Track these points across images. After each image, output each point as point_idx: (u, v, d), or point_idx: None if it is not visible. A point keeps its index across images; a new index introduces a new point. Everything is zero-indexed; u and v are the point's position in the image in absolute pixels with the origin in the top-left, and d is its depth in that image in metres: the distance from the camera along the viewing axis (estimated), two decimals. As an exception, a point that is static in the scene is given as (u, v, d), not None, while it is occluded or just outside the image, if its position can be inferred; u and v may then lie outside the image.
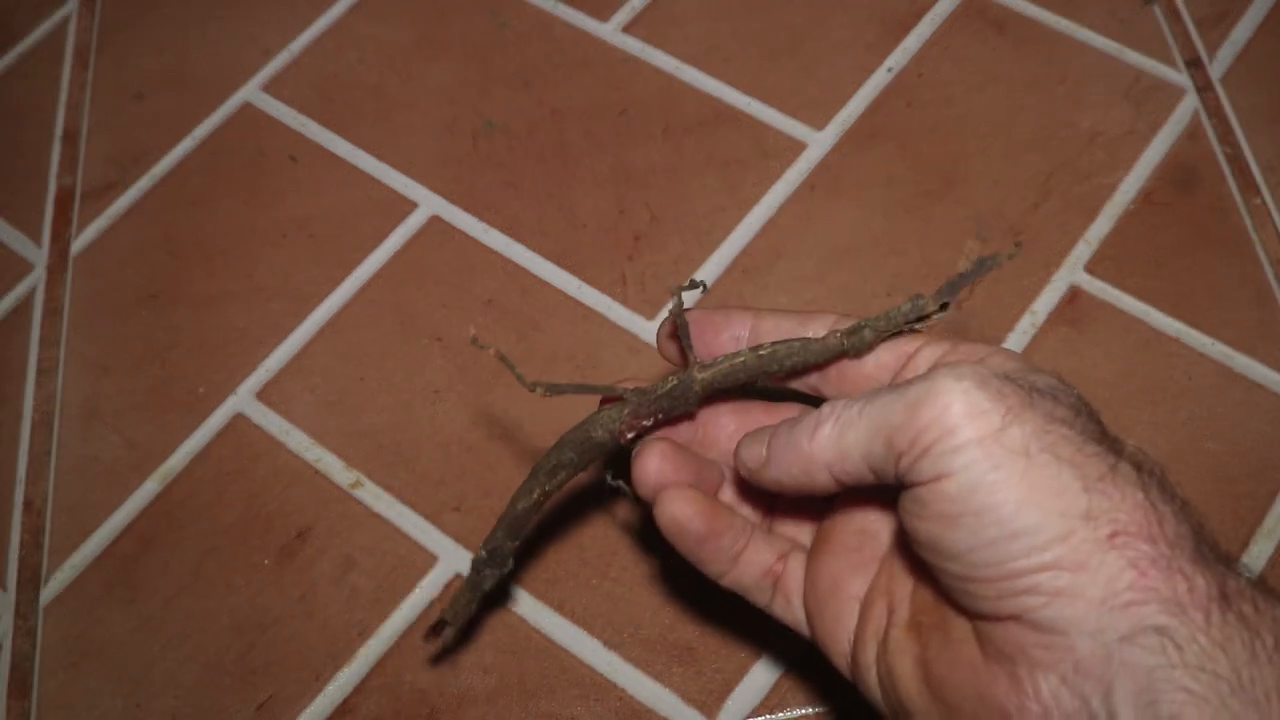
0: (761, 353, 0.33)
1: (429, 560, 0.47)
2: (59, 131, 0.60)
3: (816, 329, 0.34)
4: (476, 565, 0.36)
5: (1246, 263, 0.52)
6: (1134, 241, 0.53)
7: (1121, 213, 0.53)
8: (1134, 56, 0.58)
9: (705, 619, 0.45)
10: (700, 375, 0.33)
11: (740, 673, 0.44)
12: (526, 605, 0.46)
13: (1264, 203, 0.53)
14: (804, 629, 0.35)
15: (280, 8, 0.63)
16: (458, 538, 0.48)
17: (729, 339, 0.35)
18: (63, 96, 0.61)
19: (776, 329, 0.34)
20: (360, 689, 0.45)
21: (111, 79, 0.62)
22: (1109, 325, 0.50)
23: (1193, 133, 0.55)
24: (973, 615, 0.28)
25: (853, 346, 0.32)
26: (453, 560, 0.47)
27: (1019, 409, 0.26)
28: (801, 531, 0.36)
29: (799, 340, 0.33)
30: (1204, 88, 0.57)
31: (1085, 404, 0.29)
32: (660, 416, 0.34)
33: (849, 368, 0.33)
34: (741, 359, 0.33)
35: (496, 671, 0.45)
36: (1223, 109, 0.56)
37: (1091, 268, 0.52)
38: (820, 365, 0.33)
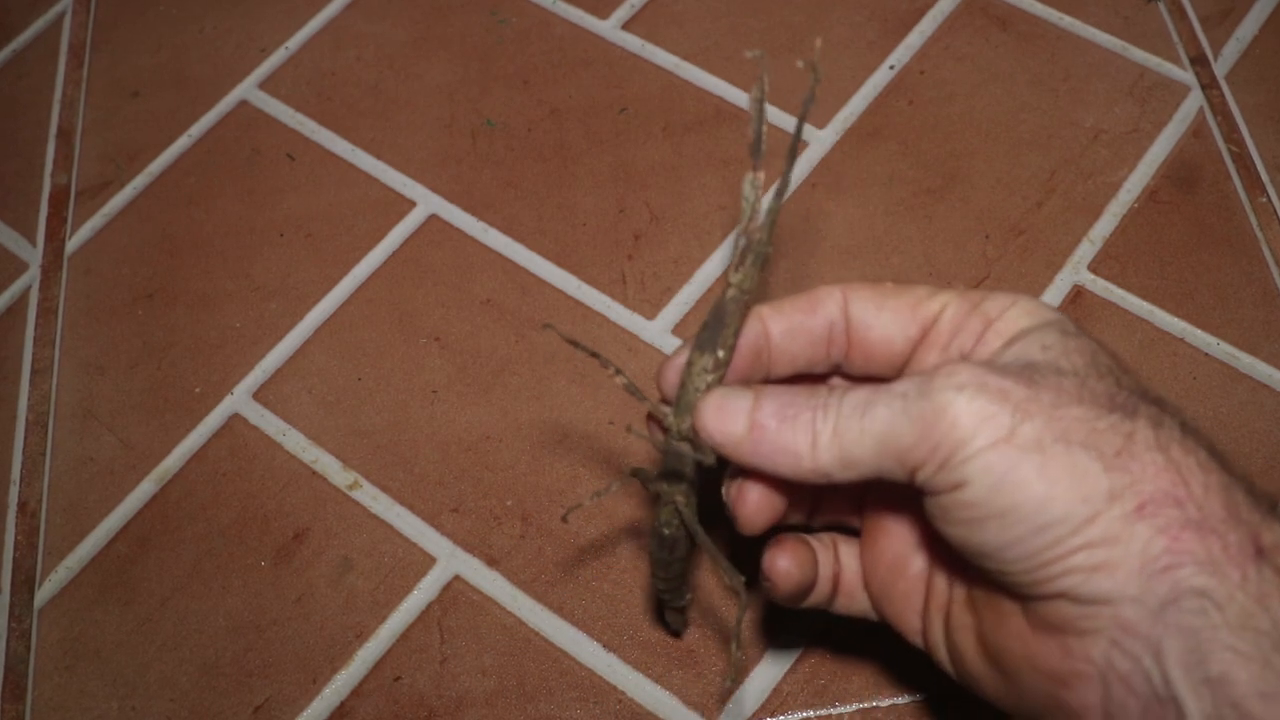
0: (701, 365, 0.31)
1: (427, 561, 0.47)
2: (53, 129, 0.60)
3: (913, 298, 0.32)
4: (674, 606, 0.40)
5: (1251, 262, 0.51)
6: (1138, 240, 0.52)
7: (1125, 211, 0.53)
8: (1138, 54, 0.57)
9: (706, 621, 0.45)
10: (681, 426, 0.32)
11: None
12: (526, 607, 0.46)
13: (1269, 201, 0.53)
14: (871, 616, 0.35)
15: (277, 5, 0.63)
16: (456, 539, 0.47)
17: (822, 322, 0.33)
18: (57, 94, 0.61)
19: (864, 309, 0.32)
20: (358, 691, 0.44)
21: (107, 76, 0.61)
22: (1112, 325, 0.50)
23: (1197, 131, 0.55)
24: (1016, 598, 0.28)
25: (759, 254, 0.32)
26: (451, 562, 0.47)
27: (1024, 402, 0.27)
28: (844, 516, 0.36)
29: (712, 314, 0.32)
30: (1209, 85, 0.56)
31: (1099, 356, 0.29)
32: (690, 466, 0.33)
33: (875, 347, 0.32)
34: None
35: (495, 674, 0.44)
36: (1228, 107, 0.55)
37: (1095, 267, 0.52)
38: (742, 319, 0.32)
